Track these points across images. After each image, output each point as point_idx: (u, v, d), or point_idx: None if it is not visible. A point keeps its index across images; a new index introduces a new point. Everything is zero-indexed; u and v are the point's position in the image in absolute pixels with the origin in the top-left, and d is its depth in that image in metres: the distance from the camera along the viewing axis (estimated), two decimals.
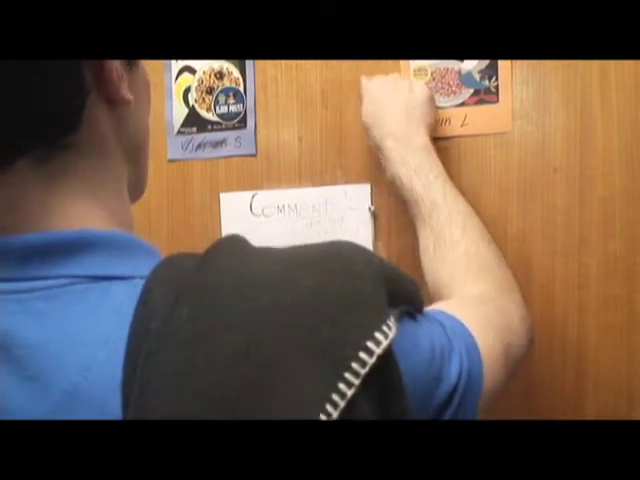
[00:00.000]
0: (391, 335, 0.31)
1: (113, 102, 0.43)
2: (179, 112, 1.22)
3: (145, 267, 0.39)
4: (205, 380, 0.28)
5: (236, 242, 0.39)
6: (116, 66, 0.42)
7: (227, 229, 1.12)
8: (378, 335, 0.30)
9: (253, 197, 1.11)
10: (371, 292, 0.32)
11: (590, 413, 1.40)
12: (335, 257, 0.35)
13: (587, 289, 1.37)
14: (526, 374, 1.43)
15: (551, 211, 1.44)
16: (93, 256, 0.38)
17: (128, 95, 0.44)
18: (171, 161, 1.24)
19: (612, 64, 1.38)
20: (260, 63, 1.32)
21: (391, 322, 0.32)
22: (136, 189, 0.52)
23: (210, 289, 0.32)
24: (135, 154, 0.49)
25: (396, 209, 1.34)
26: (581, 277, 1.39)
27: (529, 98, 1.45)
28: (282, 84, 1.26)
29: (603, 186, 1.37)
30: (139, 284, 0.36)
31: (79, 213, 0.41)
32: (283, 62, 1.34)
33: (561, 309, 1.42)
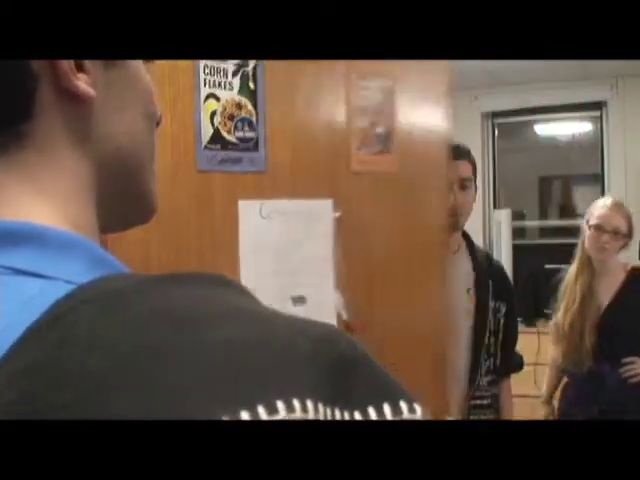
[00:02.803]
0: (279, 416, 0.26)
1: (71, 95, 0.41)
2: (206, 130, 1.46)
3: (79, 271, 0.36)
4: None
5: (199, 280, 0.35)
6: None
7: (243, 229, 1.45)
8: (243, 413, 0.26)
9: (262, 205, 1.47)
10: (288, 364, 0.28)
11: None
12: (303, 330, 0.31)
13: None
14: None
15: None
16: (22, 249, 0.36)
17: (86, 88, 0.41)
18: (200, 171, 1.46)
19: None
20: (270, 100, 1.53)
21: (280, 403, 0.27)
22: (136, 206, 0.49)
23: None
24: (118, 163, 0.46)
25: (358, 216, 1.53)
26: None
27: None
28: (287, 118, 1.53)
29: None
30: (61, 286, 0.35)
31: (24, 208, 0.40)
32: (291, 102, 1.56)
33: None
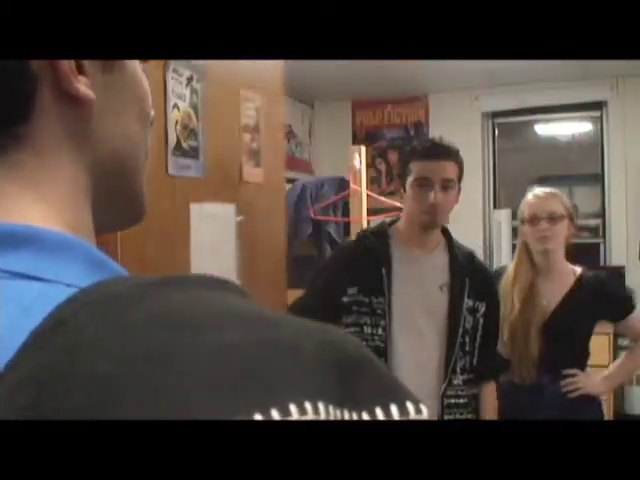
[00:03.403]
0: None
1: (70, 97, 0.41)
2: (172, 138, 1.67)
3: (78, 274, 0.36)
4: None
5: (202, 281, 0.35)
6: None
7: (192, 229, 1.71)
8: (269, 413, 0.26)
9: (200, 207, 1.73)
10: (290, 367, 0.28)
11: None
12: (307, 330, 0.31)
13: None
14: None
15: None
16: (20, 252, 0.36)
17: (86, 91, 0.41)
18: (170, 176, 1.66)
19: None
20: (210, 112, 1.78)
21: (293, 405, 0.27)
22: (128, 208, 0.50)
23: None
24: (113, 166, 0.46)
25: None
26: None
27: None
28: (214, 130, 1.79)
29: None
30: (62, 290, 0.34)
31: (22, 210, 0.39)
32: (214, 116, 1.81)
33: None
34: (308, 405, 0.27)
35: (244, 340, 0.29)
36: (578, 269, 2.15)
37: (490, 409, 1.88)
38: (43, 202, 0.41)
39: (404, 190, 1.86)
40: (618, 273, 4.26)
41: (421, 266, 1.85)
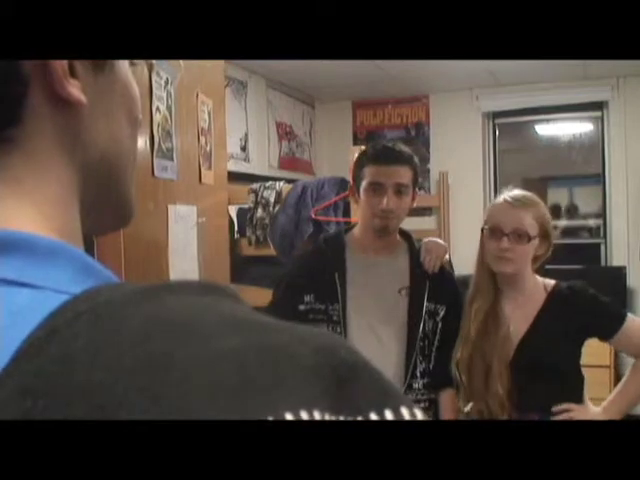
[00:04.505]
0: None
1: (62, 101, 0.41)
2: (156, 141, 1.76)
3: (68, 280, 0.36)
4: None
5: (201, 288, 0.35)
6: None
7: (170, 230, 1.84)
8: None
9: (175, 209, 1.86)
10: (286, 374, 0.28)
11: None
12: (301, 338, 0.31)
13: None
14: None
15: None
16: (9, 258, 0.36)
17: (78, 94, 0.41)
18: (154, 177, 1.76)
19: None
20: (181, 115, 1.89)
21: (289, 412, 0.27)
22: (116, 212, 0.50)
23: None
24: (102, 169, 0.46)
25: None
26: None
27: None
28: (186, 134, 1.91)
29: None
30: (52, 296, 0.33)
31: (10, 214, 0.39)
32: (183, 119, 1.95)
33: None
34: (304, 414, 0.27)
35: (242, 346, 0.29)
36: (550, 282, 1.75)
37: (449, 414, 1.83)
38: (33, 206, 0.41)
39: (358, 195, 1.84)
40: (618, 274, 4.26)
41: (378, 271, 1.84)
